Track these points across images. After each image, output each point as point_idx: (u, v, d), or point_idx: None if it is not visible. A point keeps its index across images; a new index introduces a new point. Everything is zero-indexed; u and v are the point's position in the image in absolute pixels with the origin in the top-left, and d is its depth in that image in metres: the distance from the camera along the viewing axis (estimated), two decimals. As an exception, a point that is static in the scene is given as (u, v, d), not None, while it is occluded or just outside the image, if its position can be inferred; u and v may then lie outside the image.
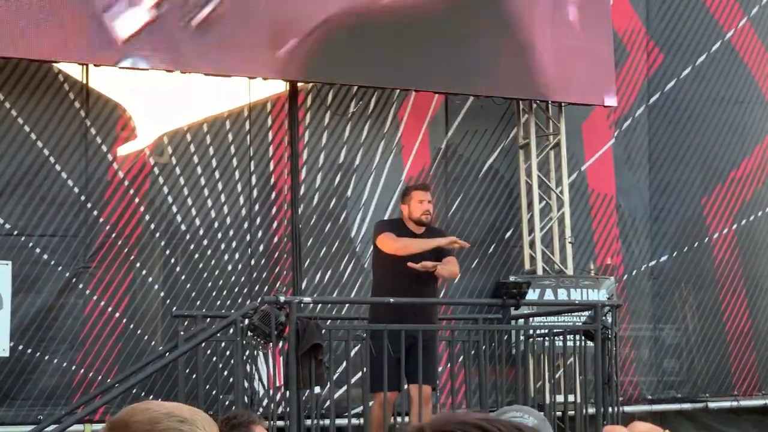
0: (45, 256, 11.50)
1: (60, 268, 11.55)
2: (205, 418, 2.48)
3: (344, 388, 10.03)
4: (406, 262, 9.41)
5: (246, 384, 10.32)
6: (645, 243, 14.22)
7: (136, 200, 11.92)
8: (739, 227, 14.61)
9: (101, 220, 11.74)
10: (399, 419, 10.06)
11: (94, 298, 11.65)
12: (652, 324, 14.15)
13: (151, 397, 11.03)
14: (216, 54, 11.68)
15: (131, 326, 11.75)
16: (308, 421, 9.68)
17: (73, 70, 11.73)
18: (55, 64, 11.56)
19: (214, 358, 10.60)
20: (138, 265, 11.86)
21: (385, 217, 12.12)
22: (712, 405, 13.89)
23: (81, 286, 11.61)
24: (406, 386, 9.70)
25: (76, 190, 11.70)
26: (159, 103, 12.02)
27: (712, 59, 14.64)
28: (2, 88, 11.48)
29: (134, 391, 10.52)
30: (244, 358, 9.95)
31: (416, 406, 9.47)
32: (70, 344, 11.52)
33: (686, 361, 14.23)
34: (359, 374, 9.97)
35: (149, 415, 2.43)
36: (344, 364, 10.43)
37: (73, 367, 11.50)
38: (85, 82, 11.78)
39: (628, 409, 12.87)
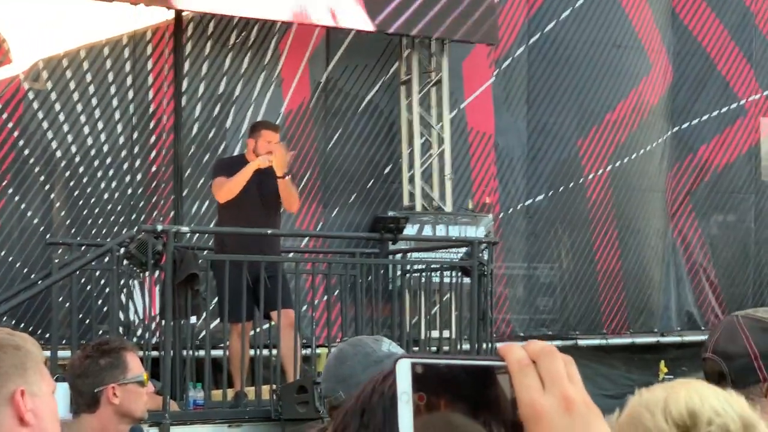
0: None
1: (-71, 193, 11.29)
2: (30, 338, 2.71)
3: (218, 319, 9.97)
4: (244, 196, 9.32)
5: (121, 313, 10.23)
6: (521, 182, 14.36)
7: (9, 125, 11.66)
8: (613, 169, 14.82)
9: (-27, 144, 11.48)
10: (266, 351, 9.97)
11: (-35, 223, 11.41)
12: (527, 262, 14.32)
13: (21, 325, 10.86)
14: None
15: (2, 253, 11.53)
16: (184, 352, 9.62)
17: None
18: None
19: (89, 287, 10.44)
20: (11, 191, 11.62)
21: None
22: (582, 342, 14.14)
23: (-49, 211, 11.36)
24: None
25: (-53, 112, 11.42)
26: (34, 27, 11.73)
27: (591, 2, 14.75)
28: None
29: (5, 319, 10.33)
30: (120, 287, 9.85)
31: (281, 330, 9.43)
32: (-62, 269, 11.29)
33: (559, 299, 14.45)
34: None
35: None
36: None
37: (-58, 294, 11.27)
38: (-43, 1, 11.47)
39: (500, 345, 13.02)
